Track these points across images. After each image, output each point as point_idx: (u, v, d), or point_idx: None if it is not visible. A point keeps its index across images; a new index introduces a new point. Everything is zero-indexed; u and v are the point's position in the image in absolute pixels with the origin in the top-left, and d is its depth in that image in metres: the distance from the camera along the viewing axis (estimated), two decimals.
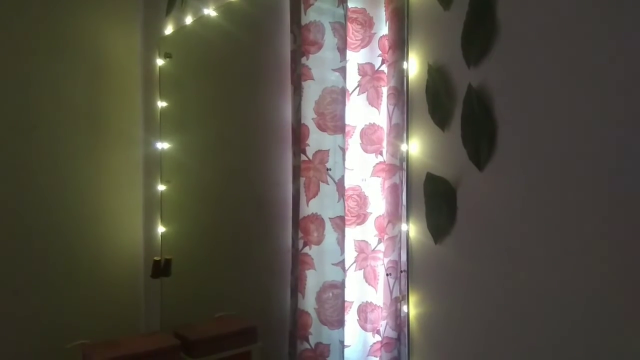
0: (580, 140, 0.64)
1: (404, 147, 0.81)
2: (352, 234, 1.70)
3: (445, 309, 0.77)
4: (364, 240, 1.71)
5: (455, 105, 0.78)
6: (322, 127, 1.62)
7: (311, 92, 1.64)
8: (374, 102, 1.69)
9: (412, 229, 0.81)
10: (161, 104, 1.42)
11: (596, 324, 0.62)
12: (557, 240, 0.66)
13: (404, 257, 1.62)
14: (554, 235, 0.67)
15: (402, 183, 1.66)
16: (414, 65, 0.89)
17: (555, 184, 0.67)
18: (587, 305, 0.63)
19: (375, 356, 1.66)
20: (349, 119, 1.66)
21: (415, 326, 0.80)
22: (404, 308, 0.81)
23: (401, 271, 1.57)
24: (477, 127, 0.73)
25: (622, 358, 0.60)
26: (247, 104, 1.63)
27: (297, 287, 1.64)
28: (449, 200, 0.76)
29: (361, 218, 1.71)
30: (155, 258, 1.40)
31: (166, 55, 1.41)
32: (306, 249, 1.64)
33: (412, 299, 0.80)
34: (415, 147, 0.80)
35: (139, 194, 1.44)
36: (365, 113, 1.69)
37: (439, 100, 0.81)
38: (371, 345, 1.67)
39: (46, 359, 1.30)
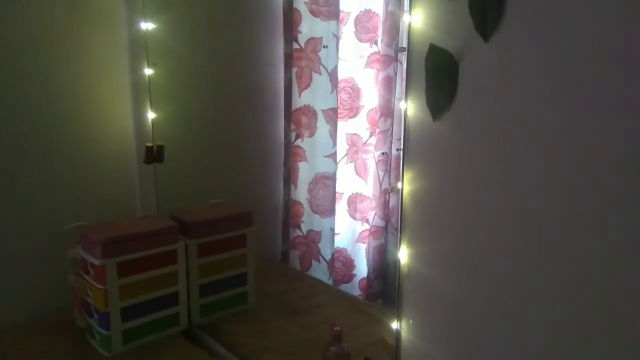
0: (593, 11, 0.61)
1: (406, 19, 0.77)
2: (344, 127, 1.69)
3: (439, 185, 0.79)
4: (355, 134, 1.71)
5: None
6: (315, 12, 1.53)
7: None
8: None
9: (411, 106, 0.80)
10: None
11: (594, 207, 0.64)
12: (562, 115, 0.65)
13: (394, 152, 1.64)
14: (559, 110, 0.66)
15: (395, 75, 1.62)
16: None
17: (563, 56, 0.65)
18: (585, 183, 0.64)
19: (364, 243, 1.75)
20: (343, 4, 1.57)
21: (408, 202, 0.82)
22: (398, 184, 0.83)
23: (397, 149, 1.59)
24: None
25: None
26: None
27: (289, 178, 1.67)
28: (451, 74, 0.74)
29: (353, 111, 1.69)
30: (147, 144, 1.39)
31: None
32: (298, 142, 1.64)
33: (407, 175, 0.81)
34: (418, 18, 0.75)
35: (126, 78, 1.38)
36: None
37: None
38: (360, 233, 1.75)
39: (44, 241, 1.33)
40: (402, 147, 0.85)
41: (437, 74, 0.75)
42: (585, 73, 0.62)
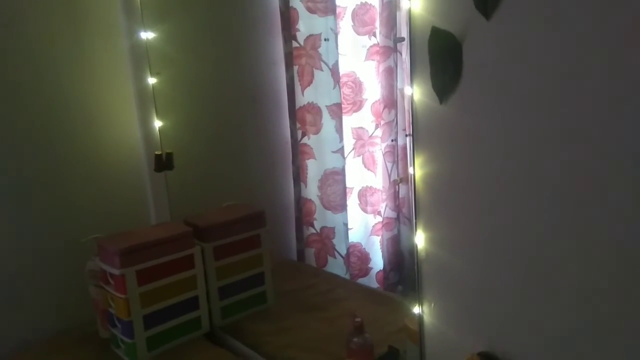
0: None
1: (405, 4, 0.78)
2: (349, 121, 1.69)
3: (451, 167, 0.79)
4: (361, 127, 1.71)
5: None
6: (311, 9, 1.54)
7: None
8: None
9: (417, 91, 0.80)
10: None
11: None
12: (568, 88, 0.65)
13: (400, 142, 1.64)
14: (565, 82, 0.65)
15: (396, 66, 1.62)
16: None
17: (565, 29, 0.65)
18: (598, 155, 0.63)
19: (377, 235, 1.75)
20: None
21: (421, 186, 0.82)
22: (410, 169, 0.83)
23: (406, 135, 1.60)
24: None
25: None
26: None
27: (299, 176, 1.68)
28: (455, 55, 0.74)
29: (357, 105, 1.70)
30: (156, 152, 1.40)
31: None
32: (305, 139, 1.65)
33: (418, 160, 0.82)
34: (417, 2, 0.76)
35: (130, 89, 1.39)
36: None
37: None
38: (373, 226, 1.75)
39: (63, 256, 1.35)
40: (411, 132, 0.85)
41: (441, 56, 0.76)
42: (587, 45, 0.62)
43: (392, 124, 1.65)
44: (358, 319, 1.06)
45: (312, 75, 1.60)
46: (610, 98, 0.61)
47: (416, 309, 0.84)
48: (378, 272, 1.77)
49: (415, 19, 0.77)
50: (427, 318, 0.84)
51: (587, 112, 0.64)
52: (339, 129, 1.62)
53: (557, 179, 0.68)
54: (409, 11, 0.78)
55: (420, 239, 0.83)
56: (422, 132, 0.81)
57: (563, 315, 0.69)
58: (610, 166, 0.63)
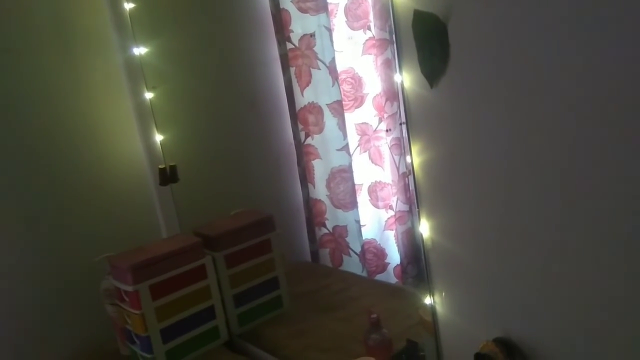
0: None
1: None
2: (352, 117, 1.67)
3: (447, 153, 0.77)
4: (364, 123, 1.69)
5: None
6: (303, 9, 1.53)
7: None
8: None
9: (407, 78, 0.79)
10: (128, 5, 1.34)
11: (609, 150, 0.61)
12: (564, 62, 0.62)
13: (405, 133, 1.61)
14: (558, 58, 0.63)
15: (394, 57, 1.60)
16: None
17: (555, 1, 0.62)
18: (597, 144, 0.61)
19: (391, 230, 1.73)
20: None
21: (420, 175, 0.81)
22: (407, 158, 0.82)
23: (400, 123, 1.57)
24: None
25: None
26: None
27: (306, 177, 1.67)
28: (440, 36, 0.72)
29: (358, 100, 1.68)
30: (160, 166, 1.41)
31: None
32: (309, 140, 1.64)
33: (415, 148, 0.80)
34: None
35: (128, 104, 1.41)
36: None
37: None
38: (386, 221, 1.73)
39: (78, 276, 1.36)
40: (404, 120, 0.83)
41: (427, 39, 0.74)
42: (578, 17, 0.60)
43: (396, 116, 1.63)
44: (374, 315, 1.04)
45: (310, 75, 1.59)
46: (609, 72, 0.59)
47: (427, 300, 0.82)
48: (396, 266, 1.74)
49: (398, 5, 0.76)
50: (439, 308, 0.82)
51: (585, 86, 0.61)
52: (342, 127, 1.61)
53: (557, 157, 0.65)
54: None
55: (425, 228, 0.81)
56: (415, 119, 0.80)
57: (578, 298, 0.67)
58: (618, 143, 0.60)
